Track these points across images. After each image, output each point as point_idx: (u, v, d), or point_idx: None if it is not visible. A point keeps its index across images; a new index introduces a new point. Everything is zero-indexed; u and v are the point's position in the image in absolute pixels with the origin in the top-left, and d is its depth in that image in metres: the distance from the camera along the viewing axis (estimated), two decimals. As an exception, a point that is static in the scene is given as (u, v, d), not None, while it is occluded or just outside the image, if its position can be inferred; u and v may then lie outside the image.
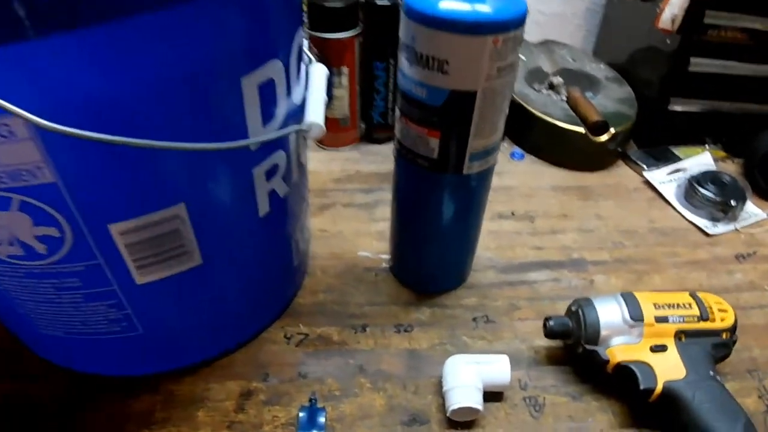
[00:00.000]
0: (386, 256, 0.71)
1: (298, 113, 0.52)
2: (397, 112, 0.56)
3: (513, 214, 0.80)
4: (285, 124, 0.50)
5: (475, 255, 0.70)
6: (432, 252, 0.65)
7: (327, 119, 0.87)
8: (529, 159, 0.92)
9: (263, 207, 0.53)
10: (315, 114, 0.52)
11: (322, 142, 0.90)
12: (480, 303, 0.68)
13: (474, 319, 0.66)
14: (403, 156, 0.57)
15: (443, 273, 0.68)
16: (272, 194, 0.53)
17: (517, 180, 0.87)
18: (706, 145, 0.95)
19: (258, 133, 0.47)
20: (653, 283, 0.72)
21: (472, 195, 0.60)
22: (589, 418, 0.57)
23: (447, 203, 0.59)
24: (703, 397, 0.52)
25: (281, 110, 0.49)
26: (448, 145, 0.53)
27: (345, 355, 0.62)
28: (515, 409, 0.58)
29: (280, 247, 0.60)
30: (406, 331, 0.65)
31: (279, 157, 0.52)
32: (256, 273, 0.59)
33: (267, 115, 0.47)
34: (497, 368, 0.57)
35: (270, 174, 0.51)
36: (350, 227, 0.77)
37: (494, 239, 0.76)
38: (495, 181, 0.85)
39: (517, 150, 0.92)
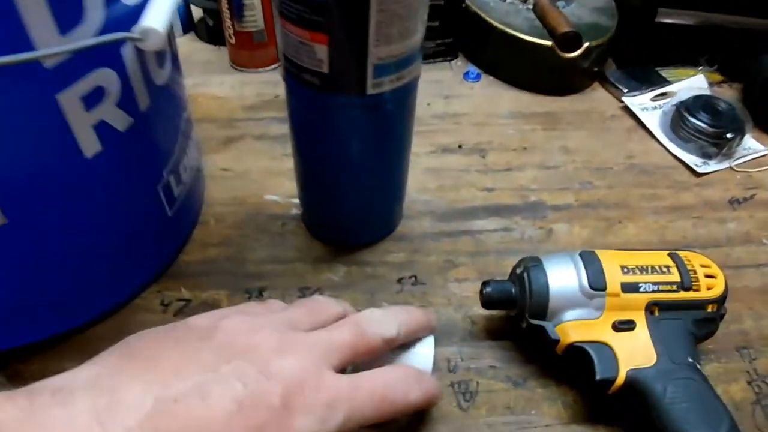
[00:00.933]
0: (298, 201, 0.57)
1: (133, 17, 0.37)
2: (275, 12, 0.41)
3: (460, 147, 0.66)
4: (108, 31, 0.36)
5: (409, 198, 0.57)
6: (344, 197, 0.51)
7: (239, 33, 0.71)
8: (486, 80, 0.76)
9: (90, 145, 0.39)
10: (155, 18, 0.37)
11: (238, 63, 0.75)
12: (409, 259, 0.54)
13: (399, 280, 0.53)
14: (290, 73, 0.43)
15: (362, 222, 0.54)
16: (103, 128, 0.39)
17: (469, 105, 0.72)
18: (700, 67, 0.80)
19: (51, 45, 0.33)
20: (626, 233, 0.58)
21: (387, 122, 0.45)
22: (532, 409, 0.45)
23: (353, 134, 0.45)
24: (677, 392, 0.40)
25: (96, 14, 0.35)
26: (341, 54, 0.39)
27: (233, 326, 0.49)
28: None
29: (136, 195, 0.46)
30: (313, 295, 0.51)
31: (103, 78, 0.38)
32: (107, 230, 0.45)
33: (66, 20, 0.34)
34: (418, 351, 0.43)
35: (91, 101, 0.37)
36: (259, 165, 0.63)
37: (435, 178, 0.62)
38: (442, 106, 0.72)
39: (473, 69, 0.77)
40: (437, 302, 0.51)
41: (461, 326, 0.50)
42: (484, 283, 0.46)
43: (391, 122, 0.46)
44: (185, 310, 0.51)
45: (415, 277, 0.53)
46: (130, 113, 0.41)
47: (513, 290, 0.45)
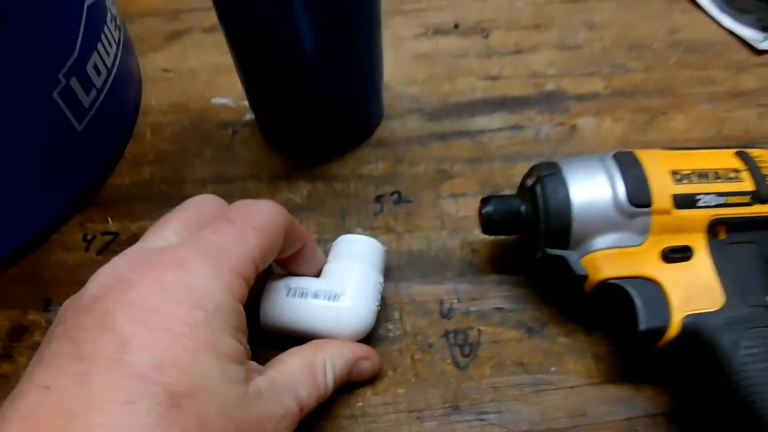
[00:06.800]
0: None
1: None
2: None
3: (457, 27, 0.52)
4: None
5: (391, 92, 0.45)
6: (300, 88, 0.39)
7: None
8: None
9: None
10: None
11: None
12: (391, 171, 0.43)
13: (378, 198, 0.41)
14: None
15: (329, 123, 0.42)
16: None
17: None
18: None
19: None
20: (673, 127, 0.45)
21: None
22: (552, 365, 0.34)
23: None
24: (753, 347, 0.29)
25: None
26: None
27: (167, 266, 0.38)
28: (429, 352, 0.35)
29: (23, 106, 0.35)
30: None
31: None
32: None
33: None
34: (337, 309, 0.33)
35: None
36: (207, 61, 0.50)
37: (424, 66, 0.49)
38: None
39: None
40: (427, 225, 0.40)
41: (458, 255, 0.38)
42: (484, 200, 0.35)
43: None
44: (112, 245, 0.40)
45: (399, 193, 0.41)
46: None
47: (522, 208, 0.34)
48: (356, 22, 0.36)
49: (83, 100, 0.39)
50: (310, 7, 0.33)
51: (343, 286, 0.33)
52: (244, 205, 0.29)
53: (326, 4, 0.34)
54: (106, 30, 0.41)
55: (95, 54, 0.39)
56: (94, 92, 0.40)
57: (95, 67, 0.40)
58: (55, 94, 0.36)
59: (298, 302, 0.32)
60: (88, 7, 0.38)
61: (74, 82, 0.38)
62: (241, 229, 0.27)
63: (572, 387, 0.33)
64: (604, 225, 0.31)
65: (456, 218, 0.40)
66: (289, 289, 0.33)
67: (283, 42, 0.35)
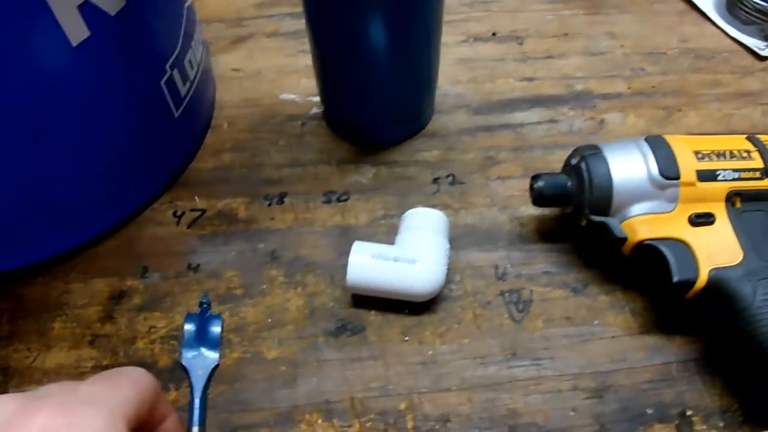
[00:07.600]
0: (318, 99, 0.51)
1: None
2: None
3: (494, 35, 0.59)
4: None
5: (440, 91, 0.51)
6: (368, 85, 0.45)
7: None
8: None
9: (76, 31, 0.34)
10: None
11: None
12: (444, 157, 0.49)
13: (435, 180, 0.47)
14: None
15: (390, 116, 0.48)
16: (90, 10, 0.34)
17: (501, -9, 0.64)
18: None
19: None
20: (687, 122, 0.52)
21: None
22: (595, 319, 0.40)
23: (374, 5, 0.39)
24: (769, 293, 0.34)
25: None
26: None
27: (252, 237, 0.45)
28: (488, 308, 0.41)
29: (137, 91, 0.41)
30: (339, 200, 0.46)
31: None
32: (109, 131, 0.40)
33: None
34: (415, 271, 0.38)
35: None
36: (273, 63, 0.56)
37: (467, 69, 0.55)
38: (471, -7, 0.64)
39: (504, -50, 0.68)
40: (479, 203, 0.46)
41: (508, 228, 0.44)
42: (535, 177, 0.41)
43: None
44: (200, 220, 0.46)
45: (453, 176, 0.47)
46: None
47: (568, 183, 0.40)
48: (420, 35, 0.42)
49: (181, 90, 0.45)
50: (384, 27, 0.40)
51: (418, 252, 0.39)
52: (113, 371, 0.29)
53: (397, 23, 0.40)
54: (196, 30, 0.47)
55: (190, 50, 0.45)
56: (188, 84, 0.46)
57: (190, 61, 0.45)
58: (162, 83, 0.42)
59: (383, 265, 0.38)
60: (186, 8, 0.45)
61: (176, 74, 0.43)
62: (117, 381, 0.27)
63: (613, 337, 0.39)
64: (640, 195, 0.37)
65: (504, 197, 0.46)
66: (373, 255, 0.39)
67: (359, 51, 0.41)
